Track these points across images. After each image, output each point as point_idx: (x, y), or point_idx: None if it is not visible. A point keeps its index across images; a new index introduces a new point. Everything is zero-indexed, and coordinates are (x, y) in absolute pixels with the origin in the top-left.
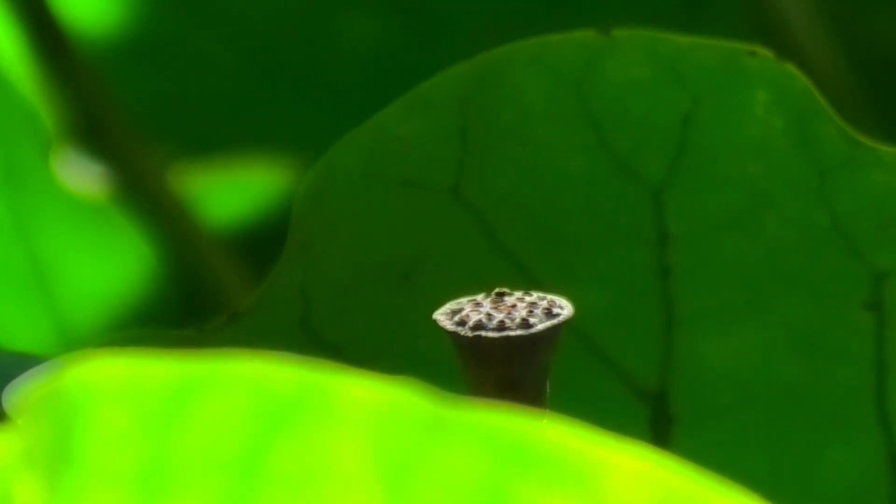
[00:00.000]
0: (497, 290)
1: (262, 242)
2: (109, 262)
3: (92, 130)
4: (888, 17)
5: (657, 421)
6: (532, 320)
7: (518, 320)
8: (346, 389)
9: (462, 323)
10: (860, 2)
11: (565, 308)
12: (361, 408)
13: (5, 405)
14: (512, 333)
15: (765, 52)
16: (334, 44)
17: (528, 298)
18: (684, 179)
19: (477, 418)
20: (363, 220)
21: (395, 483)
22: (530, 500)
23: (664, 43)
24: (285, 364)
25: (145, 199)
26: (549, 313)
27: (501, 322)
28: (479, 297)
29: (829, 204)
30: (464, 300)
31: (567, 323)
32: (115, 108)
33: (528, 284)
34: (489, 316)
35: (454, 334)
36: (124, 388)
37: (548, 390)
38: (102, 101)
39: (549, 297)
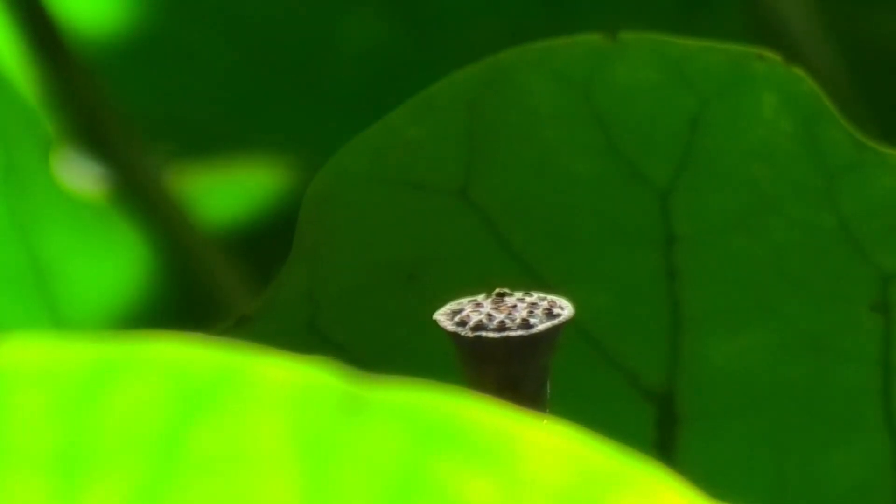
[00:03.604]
0: (498, 290)
1: (260, 242)
2: (109, 263)
3: (91, 131)
4: (888, 17)
5: (664, 421)
6: (532, 321)
7: (518, 321)
8: (262, 370)
9: (462, 323)
10: (860, 2)
11: (565, 308)
12: (277, 388)
13: None
14: (512, 334)
15: (773, 56)
16: (334, 44)
17: (528, 299)
18: (691, 182)
19: (392, 397)
20: (370, 222)
21: (312, 462)
22: (446, 477)
23: (671, 46)
24: (201, 346)
25: (144, 199)
26: (549, 314)
27: (502, 322)
28: (480, 298)
29: (835, 206)
30: (464, 300)
31: (567, 323)
32: (115, 109)
33: (535, 286)
34: (490, 316)
35: (454, 335)
36: (41, 370)
37: (548, 390)
38: (102, 102)
39: (550, 297)
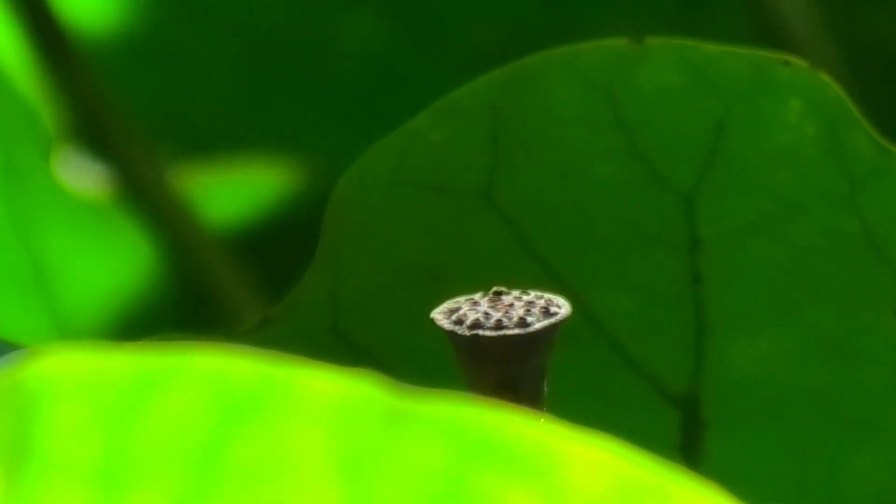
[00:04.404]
0: (495, 288)
1: (261, 242)
2: (109, 262)
3: (92, 130)
4: (888, 17)
5: (688, 426)
6: (530, 319)
7: (516, 319)
8: (304, 382)
9: (459, 322)
10: (860, 2)
11: (563, 307)
12: (319, 400)
13: None
14: (510, 332)
15: (798, 61)
16: (334, 44)
17: (525, 297)
18: (715, 186)
19: (436, 410)
20: (393, 225)
21: (355, 475)
22: (490, 492)
23: (696, 51)
24: (243, 357)
25: (145, 198)
26: (546, 312)
27: (499, 321)
28: (477, 296)
29: (859, 212)
30: (461, 299)
31: (565, 322)
32: (115, 108)
33: (558, 289)
34: (487, 315)
35: (451, 333)
36: (83, 381)
37: (546, 389)
38: (102, 101)
39: (547, 296)
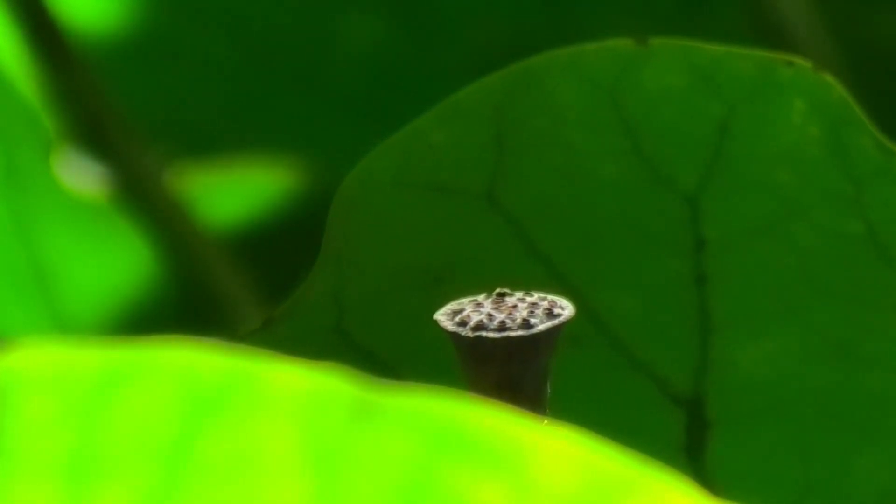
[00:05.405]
0: (498, 289)
1: (260, 242)
2: (109, 263)
3: (92, 130)
4: (888, 17)
5: (692, 426)
6: (533, 321)
7: (519, 321)
8: (272, 376)
9: (463, 323)
10: (860, 2)
11: (566, 308)
12: (288, 394)
13: None
14: (513, 334)
15: (802, 62)
16: (334, 43)
17: (528, 299)
18: (719, 187)
19: (404, 403)
20: (397, 226)
21: (323, 468)
22: (458, 485)
23: (699, 52)
24: (212, 351)
25: (145, 199)
26: (549, 314)
27: (502, 322)
28: (480, 298)
29: (863, 213)
30: (465, 300)
31: (568, 324)
32: (115, 109)
33: (562, 290)
34: (490, 316)
35: (455, 335)
36: (52, 376)
37: (549, 391)
38: (102, 102)
39: (550, 297)
